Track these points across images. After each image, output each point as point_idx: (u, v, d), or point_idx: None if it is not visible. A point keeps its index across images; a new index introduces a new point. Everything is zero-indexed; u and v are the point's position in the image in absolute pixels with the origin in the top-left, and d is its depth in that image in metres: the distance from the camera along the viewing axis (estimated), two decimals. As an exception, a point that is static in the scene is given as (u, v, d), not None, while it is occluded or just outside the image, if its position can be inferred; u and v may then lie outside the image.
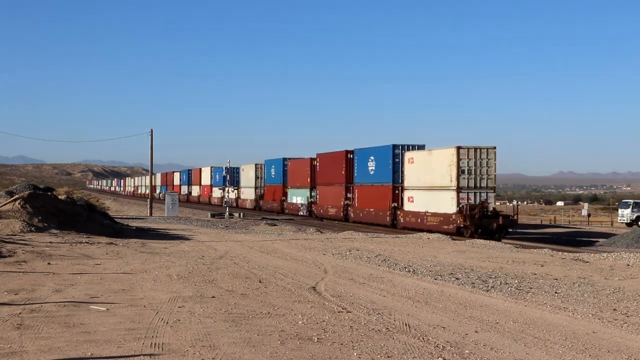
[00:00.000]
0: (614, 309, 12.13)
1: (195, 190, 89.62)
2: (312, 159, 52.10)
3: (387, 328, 9.89)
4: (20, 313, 10.24)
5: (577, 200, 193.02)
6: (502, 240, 31.36)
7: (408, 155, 38.28)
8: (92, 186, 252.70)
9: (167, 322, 9.85)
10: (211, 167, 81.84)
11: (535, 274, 17.18)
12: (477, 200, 33.21)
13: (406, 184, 38.32)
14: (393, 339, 9.23)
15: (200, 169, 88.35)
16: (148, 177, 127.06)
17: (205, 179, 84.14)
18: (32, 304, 11.04)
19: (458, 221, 33.12)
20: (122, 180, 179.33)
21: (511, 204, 45.88)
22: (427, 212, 35.72)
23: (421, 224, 36.14)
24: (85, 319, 9.96)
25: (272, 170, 61.21)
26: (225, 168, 59.66)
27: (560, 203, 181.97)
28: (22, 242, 20.57)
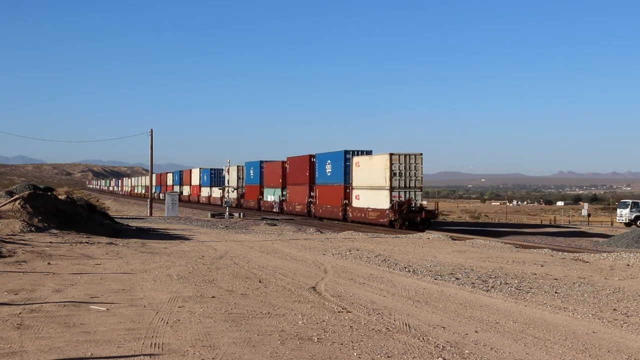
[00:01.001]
0: (614, 309, 12.13)
1: (186, 190, 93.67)
2: (283, 162, 57.34)
3: (387, 328, 9.89)
4: (20, 313, 10.24)
5: (577, 200, 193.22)
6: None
7: (355, 159, 44.33)
8: (91, 186, 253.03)
9: (167, 322, 9.85)
10: (200, 168, 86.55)
11: (535, 274, 17.18)
12: (406, 198, 39.54)
13: (354, 184, 44.25)
14: (393, 339, 9.23)
15: (191, 170, 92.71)
16: (144, 178, 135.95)
17: (195, 180, 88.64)
18: (32, 304, 11.03)
19: (390, 215, 39.30)
20: (120, 181, 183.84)
21: (433, 201, 53.14)
22: (369, 207, 41.93)
23: (365, 218, 42.36)
24: (85, 319, 9.96)
25: (251, 171, 66.14)
26: (226, 168, 61.36)
27: (560, 203, 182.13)
28: (22, 242, 20.57)
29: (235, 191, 69.87)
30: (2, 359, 7.77)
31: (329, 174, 48.12)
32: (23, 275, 14.39)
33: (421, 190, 40.80)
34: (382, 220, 40.22)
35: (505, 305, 12.31)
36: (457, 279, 15.92)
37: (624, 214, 64.31)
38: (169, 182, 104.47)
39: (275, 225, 41.13)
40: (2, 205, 25.64)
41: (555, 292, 14.00)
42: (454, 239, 30.77)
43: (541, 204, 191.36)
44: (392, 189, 39.55)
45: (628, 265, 20.24)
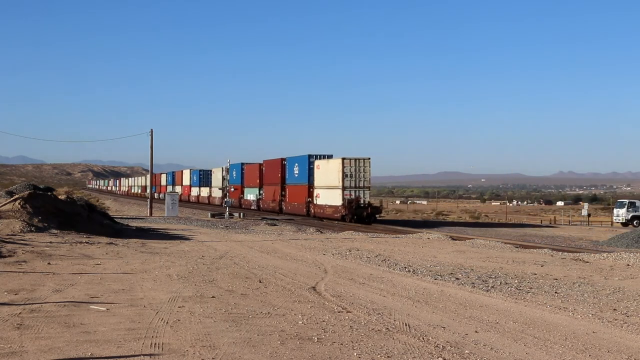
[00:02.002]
0: (614, 309, 12.13)
1: (178, 190, 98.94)
2: (260, 164, 63.02)
3: (387, 328, 9.89)
4: (20, 313, 10.23)
5: (577, 200, 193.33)
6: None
7: (317, 163, 50.19)
8: (90, 186, 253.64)
9: (167, 322, 9.85)
10: (190, 169, 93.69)
11: (535, 274, 17.18)
12: (356, 196, 45.55)
13: (315, 184, 50.23)
14: (393, 339, 9.23)
15: (182, 171, 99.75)
16: (140, 178, 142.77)
17: (186, 180, 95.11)
18: (32, 304, 11.03)
19: (342, 211, 45.49)
20: (118, 181, 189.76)
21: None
22: (327, 204, 48.16)
23: (323, 214, 48.79)
24: (85, 319, 9.95)
25: (234, 172, 71.08)
26: (226, 168, 62.01)
27: (560, 203, 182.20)
28: (22, 242, 20.57)
29: (220, 191, 74.32)
30: (2, 359, 7.76)
31: (296, 176, 53.78)
32: (23, 275, 14.38)
33: (369, 189, 46.64)
34: (336, 215, 46.33)
35: (505, 305, 12.31)
36: (457, 279, 15.92)
37: (621, 213, 64.38)
38: (163, 182, 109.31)
39: (275, 225, 41.13)
40: (2, 205, 25.64)
41: (555, 292, 14.00)
42: (454, 239, 30.78)
43: (541, 204, 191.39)
44: (344, 188, 45.61)
45: (628, 265, 20.25)
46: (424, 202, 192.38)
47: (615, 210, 66.36)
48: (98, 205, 55.20)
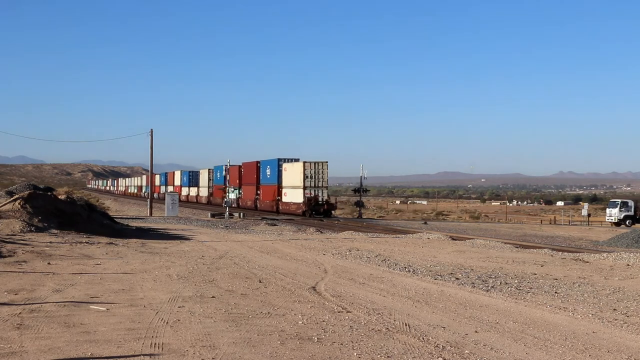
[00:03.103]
0: (614, 309, 12.13)
1: (170, 189, 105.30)
2: (239, 166, 70.01)
3: (387, 328, 9.89)
4: (20, 313, 10.23)
5: (577, 200, 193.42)
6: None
7: (284, 165, 56.77)
8: (90, 186, 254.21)
9: (167, 322, 9.85)
10: (181, 171, 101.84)
11: (535, 274, 17.19)
12: (314, 195, 52.78)
13: (283, 184, 56.84)
14: (393, 339, 9.23)
15: (174, 172, 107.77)
16: (137, 178, 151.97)
17: (177, 181, 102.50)
18: (32, 304, 11.03)
19: (303, 207, 52.62)
20: (116, 181, 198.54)
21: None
22: (291, 202, 54.93)
23: (288, 210, 55.19)
24: (85, 319, 9.95)
25: (218, 174, 76.72)
26: (225, 168, 63.38)
27: (560, 203, 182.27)
28: (22, 242, 20.57)
29: (207, 190, 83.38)
30: (2, 359, 7.76)
31: (268, 177, 60.66)
32: (23, 275, 14.38)
33: (326, 189, 54.07)
34: (298, 211, 53.09)
35: (505, 305, 12.31)
36: (457, 279, 15.93)
37: (613, 213, 64.51)
38: (157, 182, 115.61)
39: (275, 225, 41.14)
40: (2, 205, 25.65)
41: (555, 292, 14.00)
42: (454, 239, 30.78)
43: (541, 204, 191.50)
44: (304, 188, 52.64)
45: (628, 265, 20.26)
46: (424, 202, 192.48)
47: (607, 210, 66.48)
48: (98, 205, 55.15)
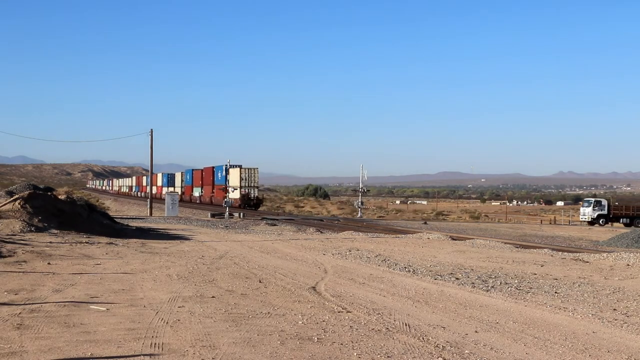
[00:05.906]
0: (614, 309, 12.14)
1: (154, 189, 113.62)
2: (201, 170, 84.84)
3: (387, 328, 9.89)
4: (20, 313, 10.23)
5: (577, 200, 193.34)
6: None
7: (230, 170, 65.19)
8: (89, 186, 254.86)
9: (167, 322, 9.85)
10: (162, 173, 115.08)
11: (535, 274, 17.19)
12: (247, 192, 68.76)
13: (229, 185, 63.66)
14: (393, 339, 9.23)
15: (157, 174, 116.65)
16: (127, 179, 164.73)
17: (159, 182, 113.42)
18: (32, 304, 11.03)
19: (239, 201, 67.33)
20: (111, 181, 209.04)
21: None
22: (233, 198, 64.39)
23: (232, 204, 60.34)
24: (85, 319, 9.95)
25: (188, 176, 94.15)
26: (225, 168, 63.72)
27: (560, 203, 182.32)
28: (22, 242, 20.57)
29: (179, 189, 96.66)
30: (2, 359, 7.76)
31: (219, 179, 71.55)
32: (23, 275, 14.38)
33: (257, 188, 70.29)
34: (236, 204, 66.30)
35: (505, 305, 12.31)
36: (457, 279, 15.93)
37: (587, 212, 64.11)
38: (144, 183, 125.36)
39: (275, 225, 41.15)
40: (2, 205, 25.64)
41: (555, 292, 14.01)
42: (454, 239, 30.79)
43: (541, 204, 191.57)
44: (241, 187, 68.14)
45: (628, 265, 20.26)
46: (424, 202, 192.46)
47: (581, 209, 66.11)
48: (98, 205, 55.18)
